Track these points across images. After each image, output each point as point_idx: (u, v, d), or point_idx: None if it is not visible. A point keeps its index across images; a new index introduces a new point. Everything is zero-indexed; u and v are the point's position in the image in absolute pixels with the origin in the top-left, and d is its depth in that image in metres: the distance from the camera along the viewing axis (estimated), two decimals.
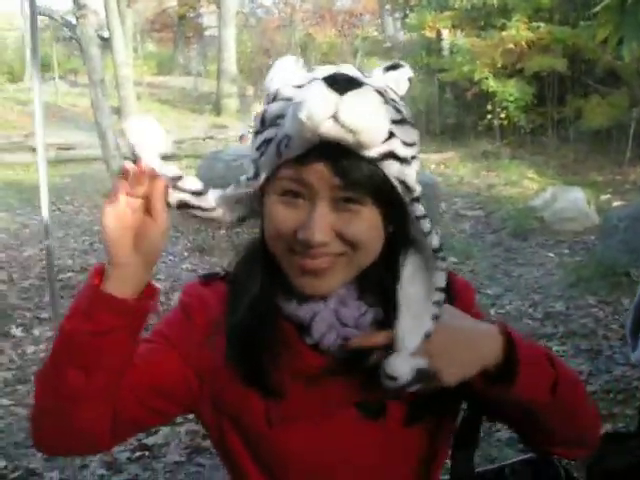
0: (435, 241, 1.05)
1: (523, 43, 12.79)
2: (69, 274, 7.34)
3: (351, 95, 0.94)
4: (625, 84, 12.92)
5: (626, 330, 1.98)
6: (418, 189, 1.05)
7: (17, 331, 5.81)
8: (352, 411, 1.12)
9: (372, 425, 1.12)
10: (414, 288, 1.07)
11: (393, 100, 1.04)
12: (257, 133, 1.07)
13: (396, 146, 1.01)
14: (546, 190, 9.95)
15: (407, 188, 1.04)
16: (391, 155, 1.00)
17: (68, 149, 14.25)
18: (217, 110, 18.71)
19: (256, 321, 1.10)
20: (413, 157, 1.05)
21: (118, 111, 17.05)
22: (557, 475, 1.77)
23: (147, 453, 3.72)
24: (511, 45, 12.81)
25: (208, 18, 25.26)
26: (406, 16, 16.84)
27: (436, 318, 1.04)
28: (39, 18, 19.56)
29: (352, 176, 0.99)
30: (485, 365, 1.03)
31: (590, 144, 13.29)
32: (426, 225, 1.05)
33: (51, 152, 13.94)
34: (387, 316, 1.09)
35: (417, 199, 1.06)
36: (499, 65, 13.04)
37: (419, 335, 1.03)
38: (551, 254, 7.89)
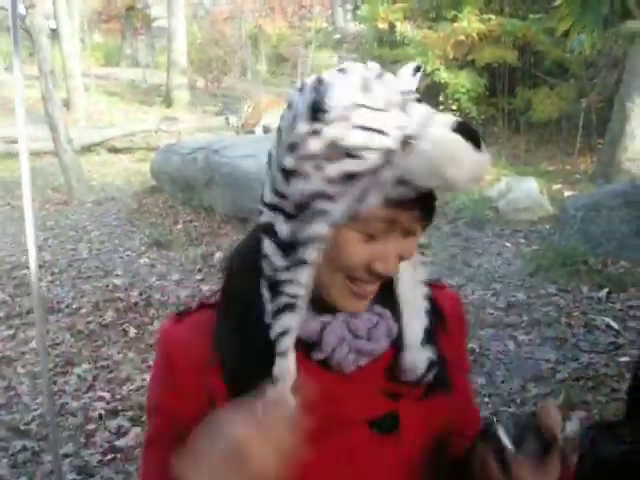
0: None
1: (474, 35, 12.89)
2: (24, 271, 7.18)
3: (484, 152, 0.93)
4: (573, 76, 13.16)
5: None
6: None
7: None
8: (365, 429, 1.07)
9: (388, 439, 1.08)
10: (405, 286, 1.09)
11: None
12: (317, 158, 0.94)
13: None
14: (499, 180, 10.07)
15: None
16: None
17: (16, 142, 13.89)
18: (167, 102, 18.51)
19: (256, 352, 1.03)
20: None
21: (67, 103, 16.77)
22: None
23: (119, 455, 3.65)
24: (462, 37, 12.90)
25: (156, 9, 24.97)
26: (357, 7, 16.84)
27: (428, 312, 1.10)
28: None
29: (432, 211, 1.00)
30: None
31: (540, 135, 13.51)
32: None
33: None
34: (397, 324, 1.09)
35: None
36: (451, 57, 13.13)
37: (421, 330, 1.08)
38: (508, 243, 7.98)
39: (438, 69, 13.23)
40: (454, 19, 13.21)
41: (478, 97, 13.53)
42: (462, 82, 13.26)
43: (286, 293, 1.00)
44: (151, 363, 4.92)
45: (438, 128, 0.91)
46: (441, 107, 13.65)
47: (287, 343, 1.00)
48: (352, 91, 0.95)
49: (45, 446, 3.85)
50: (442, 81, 13.29)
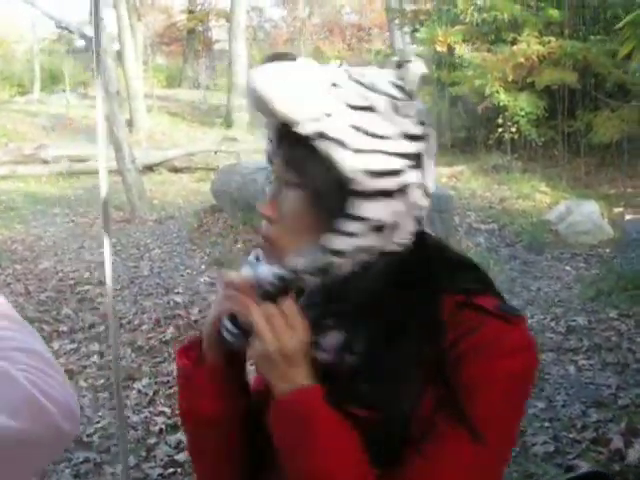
0: None
1: (534, 57, 12.79)
2: (87, 287, 7.37)
3: (270, 66, 0.96)
4: (635, 98, 12.93)
5: None
6: (364, 183, 0.97)
7: None
8: None
9: None
10: None
11: (370, 88, 0.98)
12: None
13: (335, 128, 0.96)
14: (559, 203, 9.96)
15: (344, 177, 0.96)
16: (323, 135, 0.96)
17: (81, 161, 14.28)
18: (228, 123, 18.78)
19: None
20: (376, 150, 0.97)
21: (129, 123, 17.17)
22: None
23: (179, 470, 3.70)
24: (522, 59, 12.81)
25: (217, 32, 25.43)
26: (416, 30, 16.87)
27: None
28: (53, 31, 19.67)
29: (286, 153, 1.01)
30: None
31: (601, 157, 13.30)
32: (346, 225, 0.99)
33: (63, 164, 14.02)
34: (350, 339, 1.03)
35: (358, 193, 0.97)
36: (510, 79, 13.04)
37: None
38: (568, 267, 7.88)
39: (497, 91, 13.15)
40: (513, 41, 13.14)
41: (538, 120, 13.40)
42: (521, 105, 13.15)
43: None
44: None
45: None
46: (500, 130, 13.59)
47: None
48: None
49: (107, 458, 3.94)
50: (501, 104, 13.20)
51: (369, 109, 0.97)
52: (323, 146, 0.96)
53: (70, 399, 1.13)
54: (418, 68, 1.01)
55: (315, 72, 0.98)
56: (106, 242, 2.75)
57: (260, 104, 0.97)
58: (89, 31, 10.41)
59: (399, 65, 1.02)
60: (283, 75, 0.95)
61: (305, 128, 0.96)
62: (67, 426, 1.09)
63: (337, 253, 0.99)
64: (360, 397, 1.01)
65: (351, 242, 0.99)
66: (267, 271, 1.02)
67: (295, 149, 0.98)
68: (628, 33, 4.76)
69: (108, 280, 2.77)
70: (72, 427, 1.11)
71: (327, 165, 0.97)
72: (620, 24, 4.70)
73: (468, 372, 0.98)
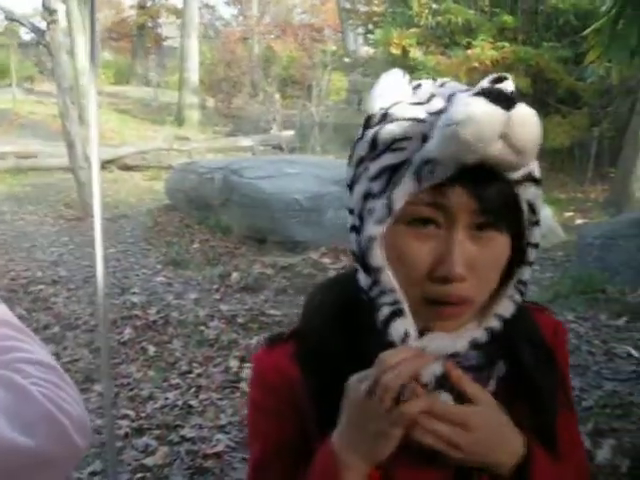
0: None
1: (487, 62, 12.97)
2: (40, 286, 7.19)
3: (518, 111, 0.85)
4: (585, 104, 13.21)
5: None
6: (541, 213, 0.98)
7: None
8: None
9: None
10: None
11: None
12: (364, 160, 0.95)
13: (535, 167, 0.94)
14: None
15: (533, 211, 0.95)
16: (530, 177, 0.93)
17: (28, 157, 13.96)
18: (179, 121, 18.59)
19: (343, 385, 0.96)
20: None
21: (79, 119, 16.85)
22: None
23: (148, 474, 3.62)
24: (476, 63, 12.98)
25: (167, 29, 25.14)
26: (368, 32, 16.94)
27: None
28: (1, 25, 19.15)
29: (491, 199, 0.89)
30: (496, 464, 0.95)
31: (552, 163, 13.53)
32: (533, 254, 0.99)
33: (10, 160, 13.69)
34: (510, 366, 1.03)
35: (537, 223, 0.97)
36: (463, 83, 13.18)
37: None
38: None
39: None
40: (468, 46, 13.31)
41: None
42: None
43: (386, 304, 0.95)
44: (173, 382, 4.92)
45: (462, 96, 0.87)
46: None
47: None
48: (396, 94, 0.96)
49: None
50: None
51: None
52: (533, 189, 0.94)
53: (82, 412, 1.08)
54: (511, 86, 0.95)
55: None
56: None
57: (501, 155, 0.86)
58: (40, 24, 10.17)
59: (497, 81, 0.92)
60: (535, 119, 0.88)
61: (520, 172, 0.92)
62: (81, 441, 1.04)
63: (526, 284, 1.01)
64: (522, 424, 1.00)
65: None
66: (467, 337, 0.96)
67: (499, 190, 0.91)
68: (593, 41, 4.83)
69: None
70: (85, 442, 1.06)
71: (527, 203, 0.95)
72: (587, 31, 4.76)
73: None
